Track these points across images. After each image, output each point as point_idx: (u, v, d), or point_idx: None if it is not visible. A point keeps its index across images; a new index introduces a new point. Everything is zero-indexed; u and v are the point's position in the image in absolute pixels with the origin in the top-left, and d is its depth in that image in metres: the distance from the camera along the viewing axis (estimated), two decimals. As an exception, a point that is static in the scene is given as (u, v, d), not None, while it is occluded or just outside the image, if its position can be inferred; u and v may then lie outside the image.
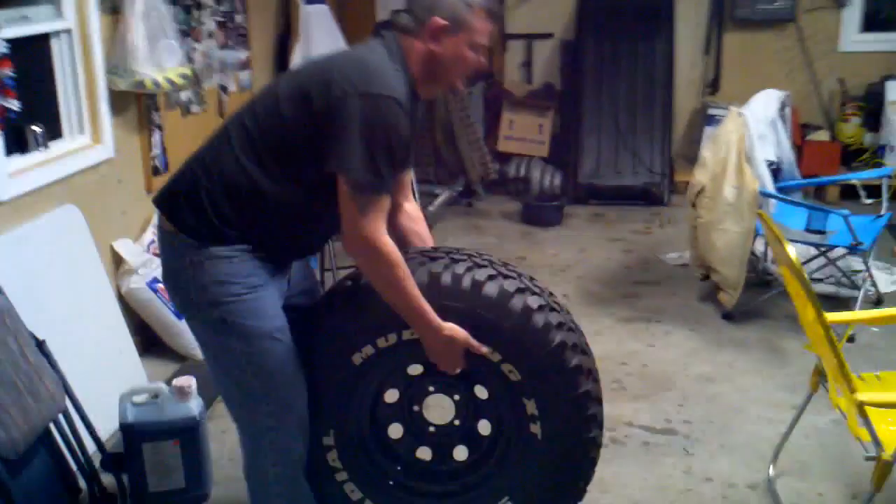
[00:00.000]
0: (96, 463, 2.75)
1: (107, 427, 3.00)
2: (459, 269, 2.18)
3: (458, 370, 2.24)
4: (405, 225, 2.42)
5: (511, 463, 2.35)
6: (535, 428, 2.25)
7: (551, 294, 2.32)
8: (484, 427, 2.48)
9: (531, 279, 2.30)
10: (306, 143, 2.07)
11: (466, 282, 2.16)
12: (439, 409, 2.53)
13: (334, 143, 2.02)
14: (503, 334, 2.17)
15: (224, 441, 3.12)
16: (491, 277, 2.19)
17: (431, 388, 2.44)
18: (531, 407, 2.23)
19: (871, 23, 6.34)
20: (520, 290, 2.20)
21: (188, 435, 2.66)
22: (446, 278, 2.16)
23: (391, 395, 2.47)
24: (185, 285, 2.17)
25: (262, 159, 2.10)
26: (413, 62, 2.14)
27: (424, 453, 2.52)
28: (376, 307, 2.14)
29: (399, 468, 2.48)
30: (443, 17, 2.10)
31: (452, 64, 2.16)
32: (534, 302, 2.20)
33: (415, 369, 2.43)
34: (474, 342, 2.17)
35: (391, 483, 2.45)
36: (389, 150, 2.02)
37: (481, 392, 2.42)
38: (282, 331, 2.19)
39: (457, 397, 2.45)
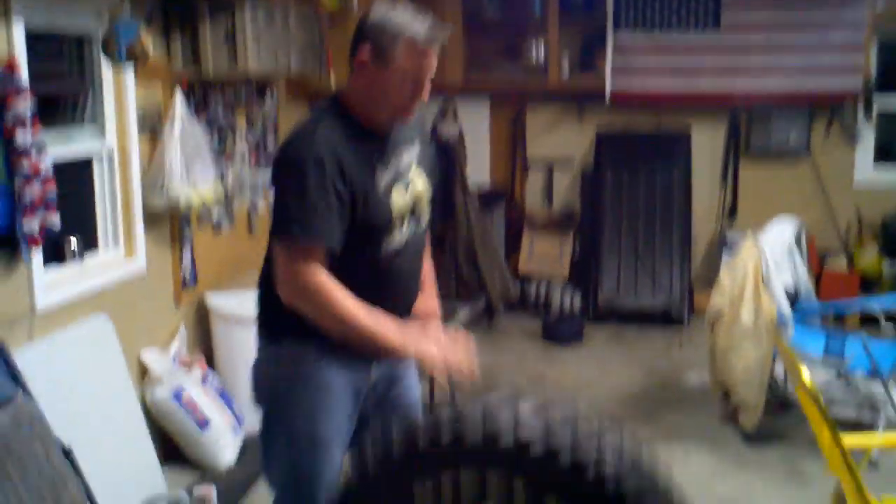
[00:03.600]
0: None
1: (126, 536, 3.01)
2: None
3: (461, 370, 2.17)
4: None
5: None
6: None
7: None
8: None
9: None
10: None
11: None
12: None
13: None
14: None
15: (241, 553, 3.11)
16: None
17: None
18: None
19: (885, 154, 6.48)
20: None
21: (206, 545, 2.67)
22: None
23: None
24: (260, 377, 2.31)
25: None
26: (351, 105, 2.20)
27: None
28: None
29: None
30: (370, 47, 2.12)
31: (385, 94, 2.15)
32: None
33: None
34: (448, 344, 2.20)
35: None
36: (307, 201, 2.08)
37: None
38: (326, 443, 2.23)
39: None
